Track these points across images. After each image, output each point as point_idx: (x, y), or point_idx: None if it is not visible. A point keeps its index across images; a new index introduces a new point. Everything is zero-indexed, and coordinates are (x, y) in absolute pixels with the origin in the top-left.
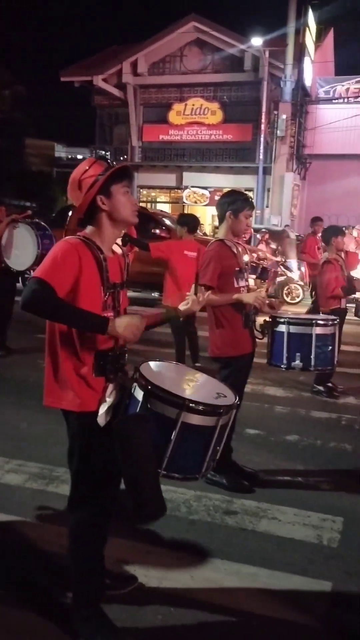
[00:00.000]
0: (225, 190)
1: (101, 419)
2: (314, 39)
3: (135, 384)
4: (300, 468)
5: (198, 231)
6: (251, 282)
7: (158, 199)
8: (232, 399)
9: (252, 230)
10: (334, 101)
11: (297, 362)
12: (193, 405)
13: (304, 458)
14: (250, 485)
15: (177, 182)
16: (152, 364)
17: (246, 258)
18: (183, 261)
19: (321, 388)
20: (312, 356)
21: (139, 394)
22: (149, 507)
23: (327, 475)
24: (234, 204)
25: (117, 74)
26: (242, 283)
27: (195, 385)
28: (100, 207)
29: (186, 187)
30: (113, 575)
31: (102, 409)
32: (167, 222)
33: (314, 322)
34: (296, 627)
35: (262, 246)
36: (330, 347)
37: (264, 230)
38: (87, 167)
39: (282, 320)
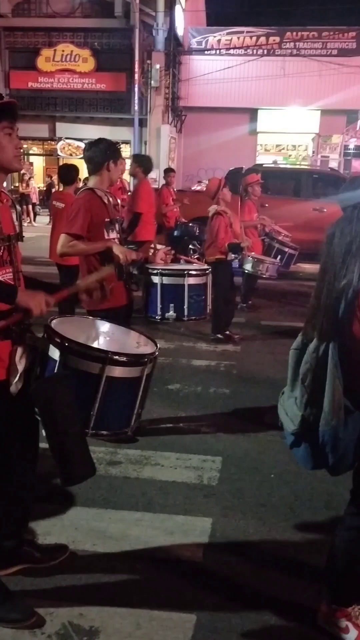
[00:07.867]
0: None
1: (14, 387)
2: None
3: (49, 343)
4: (182, 414)
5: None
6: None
7: (31, 151)
8: (153, 347)
9: None
10: (206, 52)
11: (171, 313)
12: (117, 357)
13: (185, 405)
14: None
15: (50, 133)
16: (60, 319)
17: None
18: None
19: (220, 336)
20: (185, 306)
21: (55, 353)
22: (79, 470)
23: (207, 419)
24: (112, 152)
25: None
26: (112, 235)
27: (112, 337)
28: None
29: (60, 139)
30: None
31: (15, 377)
32: None
33: (186, 272)
34: (180, 563)
35: None
36: (202, 297)
37: None
38: None
39: (155, 271)
